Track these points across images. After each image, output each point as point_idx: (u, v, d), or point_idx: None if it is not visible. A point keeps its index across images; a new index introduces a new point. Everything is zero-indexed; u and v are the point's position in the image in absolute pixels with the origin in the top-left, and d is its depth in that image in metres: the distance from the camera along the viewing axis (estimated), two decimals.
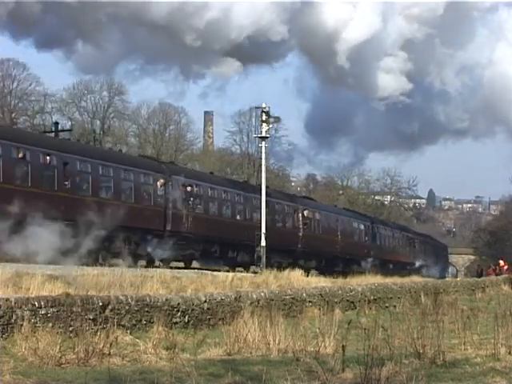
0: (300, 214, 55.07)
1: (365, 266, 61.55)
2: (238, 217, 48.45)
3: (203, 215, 44.88)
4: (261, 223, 47.20)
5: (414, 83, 55.47)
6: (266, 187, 54.46)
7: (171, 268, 37.02)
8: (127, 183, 39.59)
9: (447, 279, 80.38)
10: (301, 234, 54.48)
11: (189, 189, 43.47)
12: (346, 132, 62.82)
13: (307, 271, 44.40)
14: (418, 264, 77.39)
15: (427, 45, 54.34)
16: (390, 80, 53.49)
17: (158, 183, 41.12)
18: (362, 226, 65.70)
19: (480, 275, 64.28)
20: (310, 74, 62.84)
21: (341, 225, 61.68)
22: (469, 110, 61.23)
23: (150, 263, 38.77)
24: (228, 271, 39.19)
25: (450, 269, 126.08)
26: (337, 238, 60.19)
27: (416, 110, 60.64)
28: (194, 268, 41.72)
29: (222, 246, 46.29)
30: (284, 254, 51.28)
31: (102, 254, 35.63)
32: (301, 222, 54.68)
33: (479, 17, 63.19)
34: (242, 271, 41.68)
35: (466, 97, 60.50)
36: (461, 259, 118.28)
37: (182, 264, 44.16)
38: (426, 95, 60.75)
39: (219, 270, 41.79)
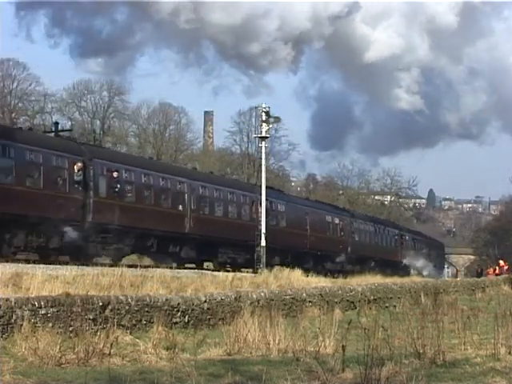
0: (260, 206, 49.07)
1: (340, 263, 58.70)
2: (180, 207, 43.48)
3: (135, 205, 39.76)
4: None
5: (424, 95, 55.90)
6: (211, 172, 52.12)
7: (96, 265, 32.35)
8: (34, 166, 34.22)
9: (445, 279, 79.80)
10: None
11: (115, 174, 38.46)
12: (358, 136, 63.57)
13: (270, 268, 42.19)
14: (406, 262, 73.37)
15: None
16: (403, 96, 54.13)
17: (76, 167, 36.11)
18: (338, 220, 61.25)
19: (480, 275, 64.33)
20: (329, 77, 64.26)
21: (311, 218, 57.53)
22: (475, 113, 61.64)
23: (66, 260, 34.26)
24: (171, 267, 37.48)
25: (450, 269, 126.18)
26: (306, 232, 55.85)
27: (423, 116, 60.86)
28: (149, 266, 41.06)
29: (161, 239, 41.47)
30: (240, 250, 47.88)
31: (4, 249, 32.08)
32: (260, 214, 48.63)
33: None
34: (193, 268, 40.59)
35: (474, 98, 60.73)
36: (461, 259, 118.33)
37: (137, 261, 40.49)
38: (435, 102, 60.95)
39: (219, 270, 41.80)
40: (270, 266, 43.74)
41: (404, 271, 69.53)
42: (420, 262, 76.72)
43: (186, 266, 43.19)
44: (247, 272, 42.20)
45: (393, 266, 68.17)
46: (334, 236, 60.75)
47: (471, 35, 57.07)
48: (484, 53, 64.39)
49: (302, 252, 54.84)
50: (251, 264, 47.36)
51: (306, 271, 43.14)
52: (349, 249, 61.64)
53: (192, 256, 43.86)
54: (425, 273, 74.18)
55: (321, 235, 57.80)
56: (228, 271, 41.33)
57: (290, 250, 53.31)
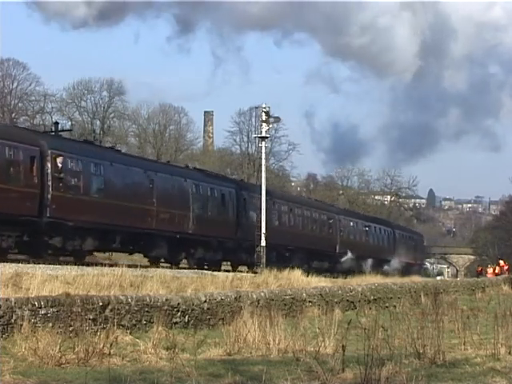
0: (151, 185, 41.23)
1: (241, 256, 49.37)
2: (156, 201, 40.42)
3: (100, 199, 36.82)
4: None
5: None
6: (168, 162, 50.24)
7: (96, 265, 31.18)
8: None
9: (439, 278, 78.54)
10: (155, 210, 41.09)
11: (59, 161, 34.85)
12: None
13: (156, 261, 40.22)
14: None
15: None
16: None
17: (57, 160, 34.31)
18: (223, 194, 48.20)
19: (480, 275, 64.35)
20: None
21: (278, 208, 52.97)
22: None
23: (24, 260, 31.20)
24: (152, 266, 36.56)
25: (451, 269, 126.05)
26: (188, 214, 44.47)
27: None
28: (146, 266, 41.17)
29: (126, 236, 38.69)
30: (216, 248, 45.36)
31: None
32: (155, 196, 40.87)
33: None
34: (168, 267, 40.14)
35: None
36: (461, 259, 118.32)
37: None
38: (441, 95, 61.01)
39: (219, 270, 41.85)
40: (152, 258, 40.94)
41: (358, 269, 59.95)
42: (392, 257, 71.67)
43: (181, 266, 43.19)
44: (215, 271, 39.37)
45: (334, 261, 60.52)
46: (220, 217, 48.29)
47: None
48: None
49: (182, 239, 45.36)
50: (231, 262, 46.40)
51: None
52: (238, 234, 49.85)
53: (162, 254, 41.64)
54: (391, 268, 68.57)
55: (204, 215, 48.17)
56: (228, 271, 41.44)
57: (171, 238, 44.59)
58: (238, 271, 43.08)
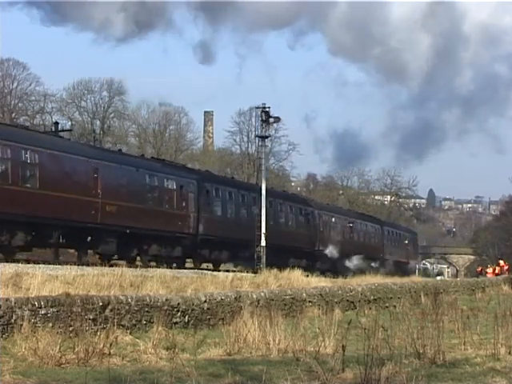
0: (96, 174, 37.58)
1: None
2: (102, 192, 37.25)
3: (33, 190, 33.66)
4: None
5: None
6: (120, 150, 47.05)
7: (96, 265, 30.91)
8: None
9: (439, 278, 77.28)
10: (99, 202, 37.47)
11: None
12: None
13: (103, 257, 37.20)
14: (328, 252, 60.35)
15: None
16: None
17: None
18: (181, 186, 44.79)
19: (480, 275, 64.34)
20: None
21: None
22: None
23: None
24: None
25: (451, 269, 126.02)
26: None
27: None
28: (193, 268, 41.51)
29: (68, 231, 35.58)
30: (172, 243, 42.32)
31: None
32: (100, 187, 37.42)
33: None
34: (192, 268, 39.73)
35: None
36: (461, 259, 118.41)
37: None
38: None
39: (219, 270, 41.83)
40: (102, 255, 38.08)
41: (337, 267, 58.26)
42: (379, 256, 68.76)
43: (186, 266, 42.75)
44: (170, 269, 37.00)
45: (311, 258, 57.76)
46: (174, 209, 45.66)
47: None
48: None
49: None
50: (193, 260, 43.77)
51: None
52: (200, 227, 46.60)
53: (110, 250, 38.23)
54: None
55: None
56: (228, 271, 41.39)
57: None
58: (200, 269, 41.57)
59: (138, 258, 41.02)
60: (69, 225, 35.15)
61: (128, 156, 47.58)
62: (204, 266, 46.20)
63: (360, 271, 56.47)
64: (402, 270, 71.68)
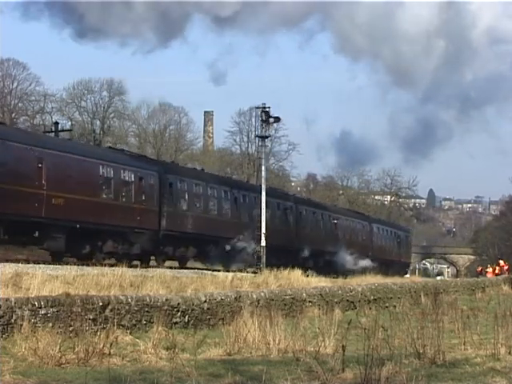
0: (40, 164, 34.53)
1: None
2: (47, 184, 34.26)
3: None
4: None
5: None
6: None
7: (96, 265, 30.09)
8: None
9: (439, 278, 75.90)
10: (44, 194, 34.49)
11: None
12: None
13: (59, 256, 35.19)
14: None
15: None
16: None
17: None
18: (141, 178, 41.06)
19: (480, 275, 64.36)
20: None
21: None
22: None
23: None
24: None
25: (450, 269, 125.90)
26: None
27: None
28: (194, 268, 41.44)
29: (11, 226, 33.01)
30: (128, 239, 39.28)
31: None
32: (45, 178, 34.26)
33: None
34: (193, 268, 38.65)
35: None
36: (461, 259, 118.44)
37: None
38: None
39: (219, 270, 41.77)
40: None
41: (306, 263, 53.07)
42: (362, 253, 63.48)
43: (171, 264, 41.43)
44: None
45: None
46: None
47: None
48: None
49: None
50: (155, 257, 40.98)
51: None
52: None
53: (58, 247, 35.42)
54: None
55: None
56: (228, 271, 41.36)
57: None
58: (199, 269, 40.48)
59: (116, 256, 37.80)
60: (10, 219, 32.27)
61: (78, 144, 44.85)
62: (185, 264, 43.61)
63: (349, 270, 54.73)
64: (393, 268, 68.90)
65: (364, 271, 56.60)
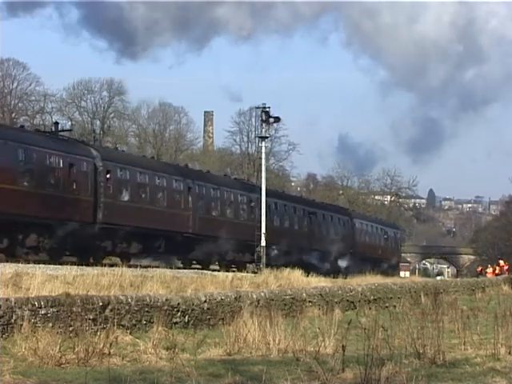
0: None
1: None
2: None
3: None
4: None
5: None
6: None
7: (96, 265, 29.65)
8: None
9: (439, 278, 73.81)
10: None
11: None
12: None
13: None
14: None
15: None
16: None
17: None
18: (71, 164, 37.39)
19: (480, 275, 64.36)
20: None
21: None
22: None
23: None
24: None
25: (450, 269, 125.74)
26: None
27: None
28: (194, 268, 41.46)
29: None
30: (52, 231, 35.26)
31: None
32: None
33: None
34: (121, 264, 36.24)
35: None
36: (461, 259, 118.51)
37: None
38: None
39: (219, 270, 41.74)
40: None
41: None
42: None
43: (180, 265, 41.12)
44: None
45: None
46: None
47: None
48: None
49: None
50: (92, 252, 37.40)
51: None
52: None
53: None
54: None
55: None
56: (228, 271, 41.31)
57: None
58: (199, 269, 39.88)
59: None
60: None
61: None
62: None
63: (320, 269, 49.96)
64: (380, 267, 63.93)
65: (345, 271, 54.28)
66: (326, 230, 60.79)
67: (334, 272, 51.90)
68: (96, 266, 30.52)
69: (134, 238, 39.86)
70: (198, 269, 40.84)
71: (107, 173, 39.09)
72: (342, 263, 58.80)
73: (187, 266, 40.95)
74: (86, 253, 37.41)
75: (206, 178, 49.00)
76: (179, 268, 39.71)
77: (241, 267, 45.41)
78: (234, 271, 38.52)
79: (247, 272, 40.36)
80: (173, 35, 40.86)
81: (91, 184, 37.81)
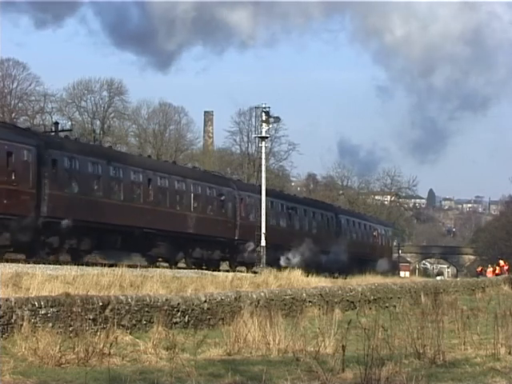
0: None
1: None
2: None
3: None
4: None
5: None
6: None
7: (96, 265, 29.07)
8: None
9: (439, 278, 73.28)
10: None
11: None
12: None
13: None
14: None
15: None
16: None
17: None
18: (9, 152, 34.79)
19: (480, 275, 64.37)
20: None
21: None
22: None
23: None
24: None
25: (450, 269, 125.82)
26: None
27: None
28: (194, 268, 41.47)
29: None
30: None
31: None
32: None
33: None
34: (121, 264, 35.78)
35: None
36: (461, 259, 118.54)
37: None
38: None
39: (219, 270, 41.75)
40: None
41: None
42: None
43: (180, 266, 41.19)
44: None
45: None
46: None
47: None
48: None
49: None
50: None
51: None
52: None
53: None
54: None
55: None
56: (227, 271, 41.31)
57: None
58: (200, 268, 39.81)
59: None
60: None
61: None
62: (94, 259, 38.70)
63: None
64: (369, 266, 59.53)
65: (328, 270, 51.79)
66: (308, 226, 58.09)
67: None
68: (96, 266, 30.49)
69: (84, 233, 37.05)
70: (199, 269, 40.85)
71: (53, 162, 36.37)
72: (327, 260, 55.40)
73: (152, 264, 38.71)
74: (31, 249, 34.85)
75: (169, 170, 46.02)
76: (179, 268, 39.77)
77: (211, 266, 42.95)
78: (203, 269, 37.48)
79: (219, 271, 39.02)
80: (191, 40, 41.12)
81: (33, 174, 34.81)
